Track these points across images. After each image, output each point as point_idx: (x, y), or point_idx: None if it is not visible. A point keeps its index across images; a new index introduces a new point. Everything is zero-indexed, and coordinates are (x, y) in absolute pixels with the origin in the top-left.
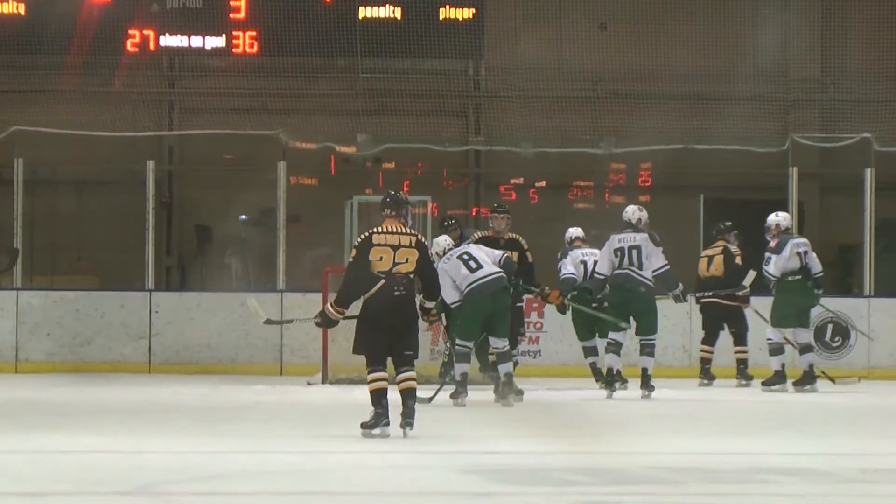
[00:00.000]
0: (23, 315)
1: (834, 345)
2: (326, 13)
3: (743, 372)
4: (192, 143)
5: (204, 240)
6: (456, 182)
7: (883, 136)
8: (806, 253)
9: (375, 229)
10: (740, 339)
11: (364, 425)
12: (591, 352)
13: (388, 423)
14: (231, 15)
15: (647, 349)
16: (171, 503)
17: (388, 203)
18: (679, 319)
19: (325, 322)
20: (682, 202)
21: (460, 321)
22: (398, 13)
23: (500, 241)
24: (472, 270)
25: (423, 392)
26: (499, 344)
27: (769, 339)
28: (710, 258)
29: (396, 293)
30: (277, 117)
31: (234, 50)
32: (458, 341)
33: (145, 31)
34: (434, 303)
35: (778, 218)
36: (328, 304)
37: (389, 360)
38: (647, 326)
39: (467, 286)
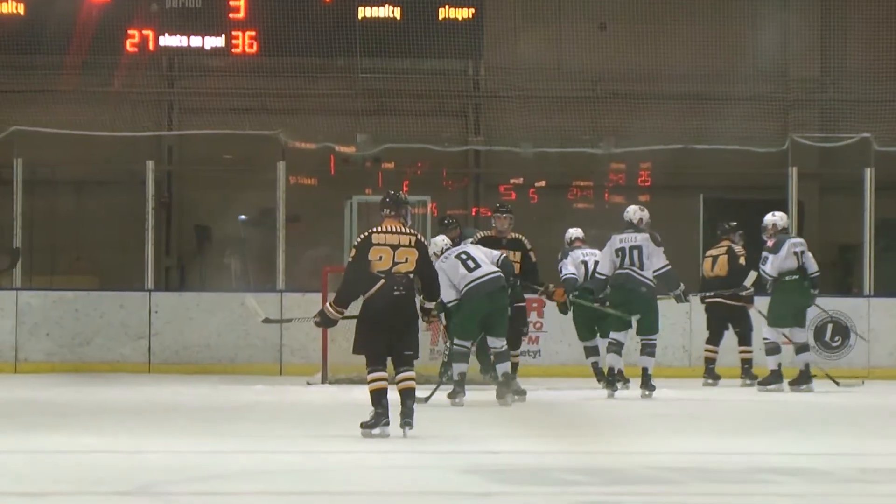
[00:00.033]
0: (22, 315)
1: (834, 345)
2: (326, 13)
3: (748, 372)
4: (192, 143)
5: (203, 240)
6: (455, 182)
7: (882, 136)
8: (803, 253)
9: (375, 229)
10: (745, 339)
11: (364, 425)
12: (592, 352)
13: (387, 423)
14: (230, 15)
15: (647, 349)
16: (170, 503)
17: (388, 203)
18: (679, 319)
19: (325, 322)
20: (682, 202)
21: (458, 321)
22: (397, 13)
23: (502, 240)
24: (469, 270)
25: (420, 392)
26: (497, 344)
27: (765, 339)
28: (715, 258)
29: (396, 293)
30: (277, 117)
31: (233, 50)
32: (455, 341)
33: (144, 31)
34: (434, 303)
35: (775, 218)
36: (327, 304)
37: (389, 360)
38: (648, 326)
39: (465, 286)
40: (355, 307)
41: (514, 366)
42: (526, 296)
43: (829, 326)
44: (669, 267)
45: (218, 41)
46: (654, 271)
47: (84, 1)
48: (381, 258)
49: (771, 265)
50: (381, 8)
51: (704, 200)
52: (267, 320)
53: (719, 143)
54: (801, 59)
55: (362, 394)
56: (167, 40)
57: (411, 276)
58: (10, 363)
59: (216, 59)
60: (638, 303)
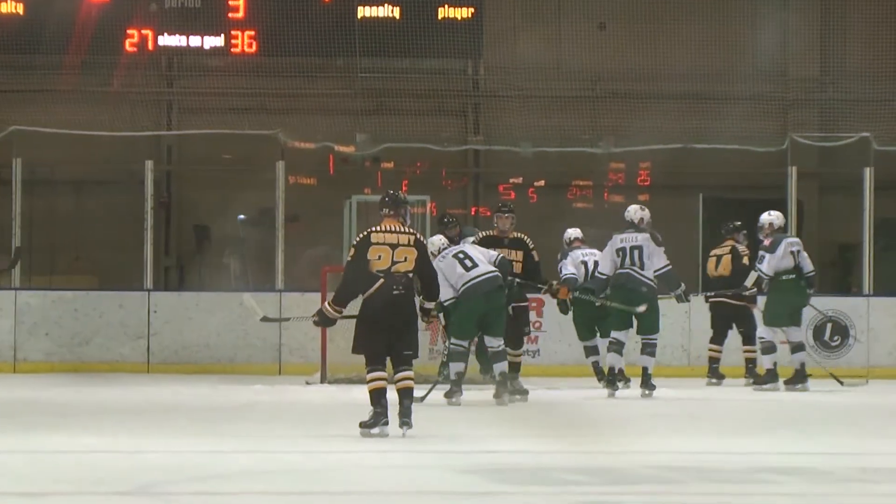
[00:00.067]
0: (21, 315)
1: (833, 344)
2: (325, 13)
3: (752, 371)
4: (191, 143)
5: (202, 239)
6: (455, 182)
7: (882, 136)
8: (799, 252)
9: (374, 228)
10: (749, 338)
11: (363, 425)
12: (592, 351)
13: (387, 423)
14: (230, 14)
15: (648, 348)
16: (170, 503)
17: (387, 202)
18: (677, 318)
19: (323, 321)
20: (681, 202)
21: (455, 320)
22: (397, 13)
23: (504, 240)
24: (467, 269)
25: (417, 391)
26: (493, 343)
27: (761, 338)
28: (719, 258)
29: (395, 292)
30: (276, 117)
31: (232, 50)
32: (452, 340)
33: (144, 31)
34: (433, 303)
35: (771, 217)
36: (326, 303)
37: (388, 360)
38: (649, 326)
39: (462, 285)
40: (354, 307)
41: (517, 365)
42: (529, 295)
43: (829, 326)
44: (670, 267)
45: (217, 41)
46: (655, 271)
47: (83, 1)
48: (379, 257)
49: (767, 264)
50: (381, 7)
51: (704, 200)
52: (265, 318)
53: (719, 142)
54: (800, 59)
55: (361, 393)
56: (166, 40)
57: (410, 275)
58: (10, 363)
59: (215, 58)
60: (638, 302)
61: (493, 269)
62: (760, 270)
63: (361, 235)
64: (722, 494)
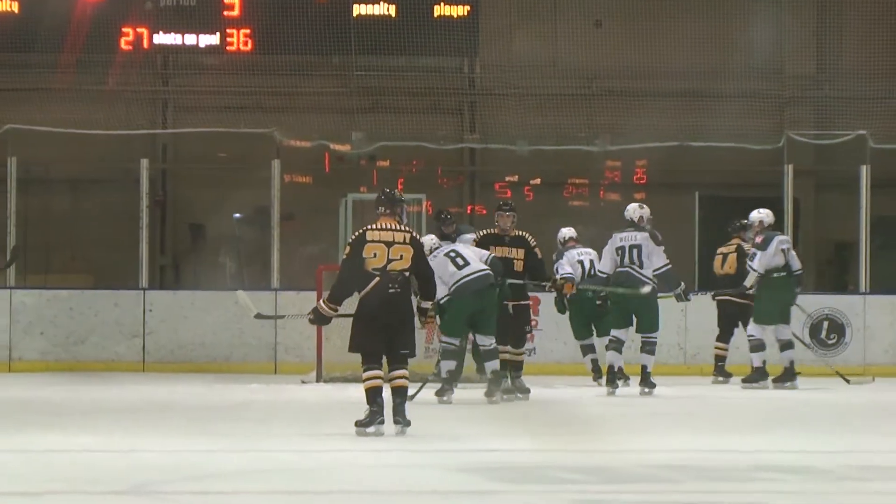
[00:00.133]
0: (16, 314)
1: (830, 342)
2: (320, 11)
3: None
4: (186, 142)
5: (198, 238)
6: (451, 180)
7: (878, 133)
8: (788, 250)
9: (370, 226)
10: None
11: (359, 423)
12: (588, 349)
13: (382, 422)
14: (225, 12)
15: (647, 347)
16: (165, 502)
17: (383, 201)
18: (673, 317)
19: (318, 319)
20: (678, 199)
21: (446, 318)
22: (392, 10)
23: (505, 238)
24: (458, 268)
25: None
26: (485, 342)
27: (750, 336)
28: (725, 256)
29: (391, 290)
30: (271, 115)
31: (228, 48)
32: (443, 338)
33: (139, 29)
34: (431, 303)
35: (761, 214)
36: (321, 301)
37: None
38: (648, 324)
39: (454, 283)
40: (350, 305)
41: (520, 364)
42: (531, 294)
43: (825, 324)
44: (669, 266)
45: (212, 39)
46: (654, 271)
47: None
48: (375, 255)
49: (759, 262)
50: (376, 5)
51: (700, 198)
52: (259, 315)
53: (715, 140)
54: (796, 56)
55: (357, 392)
56: (161, 38)
57: (407, 273)
58: (5, 362)
59: (211, 56)
60: (638, 301)
61: (485, 267)
62: (752, 267)
63: (357, 233)
64: (719, 493)
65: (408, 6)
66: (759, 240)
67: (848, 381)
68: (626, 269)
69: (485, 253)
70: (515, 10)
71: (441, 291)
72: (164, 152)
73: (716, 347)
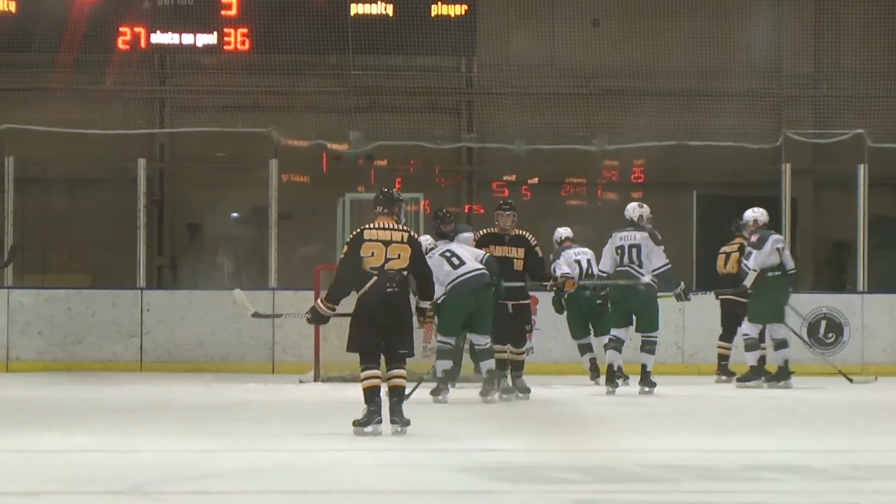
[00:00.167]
0: (14, 314)
1: (827, 341)
2: (318, 10)
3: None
4: (184, 141)
5: (195, 238)
6: (448, 179)
7: (876, 133)
8: (782, 249)
9: (367, 225)
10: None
11: (356, 423)
12: (586, 349)
13: (380, 421)
14: (222, 12)
15: (647, 346)
16: (163, 502)
17: (381, 200)
18: (671, 316)
19: (316, 318)
20: (676, 199)
21: (442, 318)
22: (390, 10)
23: (505, 237)
24: (454, 267)
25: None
26: (480, 341)
27: (745, 335)
28: (728, 255)
29: (389, 290)
30: (269, 115)
31: (225, 47)
32: (439, 338)
33: (136, 29)
34: (429, 302)
35: (755, 213)
36: (318, 300)
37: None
38: (648, 324)
39: (450, 283)
40: (348, 305)
41: (520, 363)
42: (530, 293)
43: (823, 323)
44: (669, 266)
45: (210, 38)
46: (654, 270)
47: None
48: (373, 254)
49: (754, 261)
50: (374, 5)
51: (698, 197)
52: (256, 314)
53: (713, 139)
54: (794, 56)
55: (355, 392)
56: (159, 38)
57: (405, 273)
58: (2, 362)
59: (208, 56)
60: (638, 300)
61: (481, 266)
62: (748, 267)
63: (354, 232)
64: (718, 492)
65: (405, 5)
66: (754, 239)
67: (851, 381)
68: (626, 268)
69: (480, 252)
70: (513, 9)
71: (437, 291)
72: (162, 152)
73: (719, 347)
